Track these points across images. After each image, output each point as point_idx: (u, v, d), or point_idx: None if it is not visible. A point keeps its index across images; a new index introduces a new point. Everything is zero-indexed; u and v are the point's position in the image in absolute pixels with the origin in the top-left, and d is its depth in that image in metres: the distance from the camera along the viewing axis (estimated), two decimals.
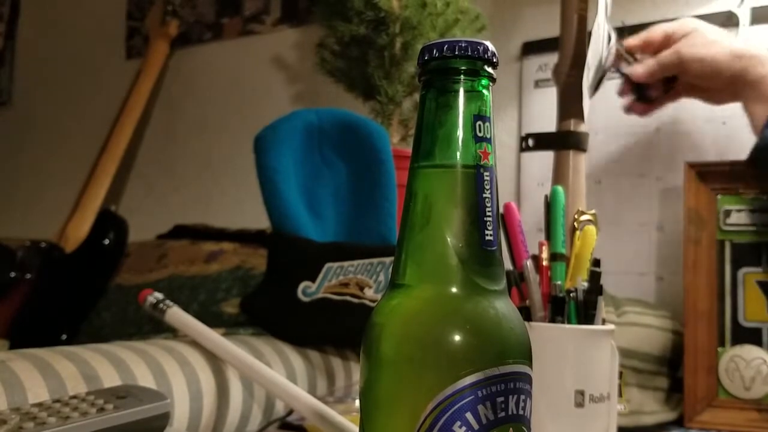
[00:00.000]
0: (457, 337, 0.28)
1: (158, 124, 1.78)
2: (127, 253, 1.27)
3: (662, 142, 1.09)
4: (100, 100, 1.83)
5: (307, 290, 0.82)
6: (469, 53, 0.29)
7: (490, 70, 0.30)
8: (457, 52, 0.29)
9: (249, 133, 0.91)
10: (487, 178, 0.29)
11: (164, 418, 0.50)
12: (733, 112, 0.89)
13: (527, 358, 0.29)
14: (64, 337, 1.17)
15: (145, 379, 0.61)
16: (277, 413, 0.73)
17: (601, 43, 0.82)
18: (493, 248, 0.29)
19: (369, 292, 0.81)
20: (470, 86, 0.30)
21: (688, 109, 1.07)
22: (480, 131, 0.30)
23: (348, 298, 0.80)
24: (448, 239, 0.29)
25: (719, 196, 0.88)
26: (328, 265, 0.82)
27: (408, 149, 1.05)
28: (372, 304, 0.81)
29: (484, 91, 0.30)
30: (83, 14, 1.96)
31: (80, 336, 1.16)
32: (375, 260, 0.81)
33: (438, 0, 1.03)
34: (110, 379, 0.58)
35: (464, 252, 0.29)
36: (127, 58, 1.84)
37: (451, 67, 0.30)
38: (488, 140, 0.30)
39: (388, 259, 0.81)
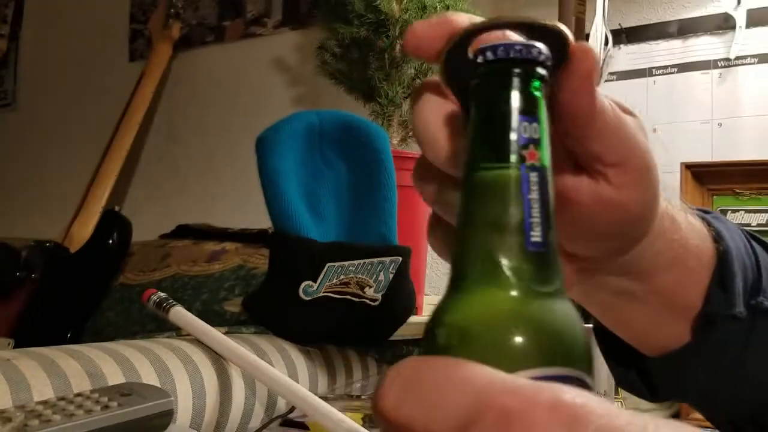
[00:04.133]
0: (511, 338, 0.27)
1: (161, 125, 1.79)
2: (131, 253, 1.28)
3: (658, 143, 1.09)
4: (104, 102, 1.84)
5: (309, 289, 0.83)
6: (523, 56, 0.29)
7: (542, 71, 0.30)
8: (511, 55, 0.29)
9: (251, 134, 0.91)
10: (534, 179, 0.28)
11: (168, 416, 0.51)
12: (731, 112, 0.90)
13: (583, 362, 0.28)
14: (68, 336, 1.18)
15: (148, 377, 0.62)
16: (278, 411, 0.74)
17: (598, 45, 0.83)
18: (541, 250, 0.29)
19: (369, 292, 0.82)
20: (521, 88, 0.29)
21: (685, 111, 1.07)
22: (526, 132, 0.29)
23: (349, 297, 0.81)
24: (495, 240, 0.29)
25: (715, 197, 0.89)
26: (329, 264, 0.83)
27: (408, 150, 1.06)
28: (372, 303, 0.82)
29: (535, 93, 0.29)
30: (86, 17, 1.97)
31: (84, 335, 1.17)
32: (375, 260, 0.82)
33: (438, 3, 1.04)
34: (114, 377, 0.59)
35: (510, 253, 0.29)
36: (130, 61, 1.85)
37: (503, 69, 0.29)
38: (536, 141, 0.29)
39: (389, 259, 0.82)
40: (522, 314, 0.28)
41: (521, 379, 0.22)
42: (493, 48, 0.29)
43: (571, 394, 0.20)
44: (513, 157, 0.29)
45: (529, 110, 0.29)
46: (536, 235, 0.28)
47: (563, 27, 0.31)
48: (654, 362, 0.40)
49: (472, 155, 0.30)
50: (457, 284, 0.30)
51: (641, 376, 0.42)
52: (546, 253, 0.28)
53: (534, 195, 0.28)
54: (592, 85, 0.32)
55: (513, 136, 0.29)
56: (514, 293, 0.28)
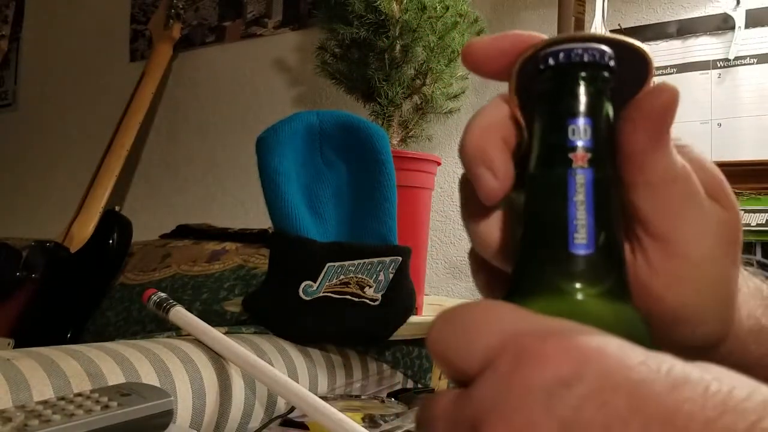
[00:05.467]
0: None
1: (162, 125, 1.79)
2: (131, 253, 1.28)
3: None
4: (104, 102, 1.85)
5: (309, 289, 0.83)
6: (585, 60, 0.28)
7: (601, 74, 0.29)
8: (571, 58, 0.28)
9: (251, 134, 0.92)
10: (581, 181, 0.28)
11: (167, 415, 0.51)
12: (730, 112, 0.90)
13: None
14: (68, 336, 1.18)
15: (148, 376, 0.62)
16: (278, 411, 0.74)
17: None
18: (586, 252, 0.27)
19: (369, 291, 0.82)
20: (574, 90, 0.29)
21: (684, 111, 1.07)
22: (574, 134, 0.28)
23: (349, 297, 0.82)
24: (541, 242, 0.28)
25: None
26: (329, 264, 0.83)
27: (407, 151, 1.06)
28: (372, 303, 0.82)
29: (592, 95, 0.29)
30: (87, 17, 1.97)
31: (85, 335, 1.17)
32: (375, 260, 0.83)
33: (437, 3, 1.04)
34: (114, 376, 0.59)
35: (553, 255, 0.28)
36: (130, 61, 1.86)
37: (557, 73, 0.29)
38: (586, 143, 0.28)
39: (389, 259, 0.82)
40: (558, 315, 0.28)
41: (549, 321, 0.22)
42: (554, 53, 0.29)
43: (587, 335, 0.20)
44: (558, 160, 0.28)
45: (580, 112, 0.28)
46: (580, 238, 0.27)
47: (647, 49, 0.29)
48: None
49: (530, 159, 0.29)
50: (510, 283, 0.29)
51: None
52: (593, 254, 0.28)
53: (580, 197, 0.27)
54: (657, 124, 0.27)
55: (560, 139, 0.28)
56: (553, 295, 0.27)
